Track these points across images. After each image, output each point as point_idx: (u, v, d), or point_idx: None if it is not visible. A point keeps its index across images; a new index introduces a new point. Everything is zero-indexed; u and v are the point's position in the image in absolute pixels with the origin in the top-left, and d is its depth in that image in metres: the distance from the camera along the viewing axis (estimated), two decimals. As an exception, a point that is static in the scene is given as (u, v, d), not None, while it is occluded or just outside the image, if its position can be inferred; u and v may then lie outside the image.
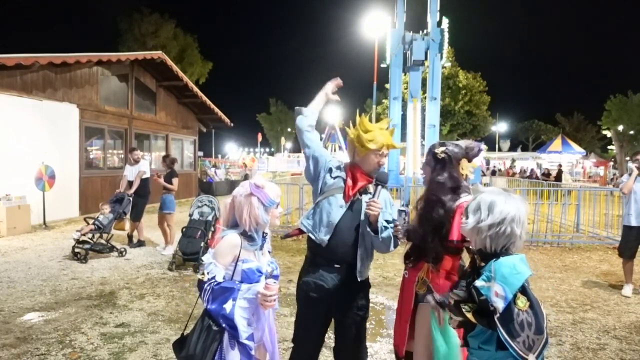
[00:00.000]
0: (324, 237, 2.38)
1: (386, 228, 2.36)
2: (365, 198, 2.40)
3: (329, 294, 2.40)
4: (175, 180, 7.44)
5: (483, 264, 1.77)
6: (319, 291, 2.40)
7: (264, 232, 2.09)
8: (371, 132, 2.42)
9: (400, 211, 2.40)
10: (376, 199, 2.30)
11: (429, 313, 2.30)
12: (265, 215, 2.00)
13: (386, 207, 2.44)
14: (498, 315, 1.61)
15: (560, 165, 23.95)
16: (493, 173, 27.32)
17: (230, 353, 1.90)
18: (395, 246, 2.44)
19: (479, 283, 1.69)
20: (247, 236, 1.99)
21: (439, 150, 2.37)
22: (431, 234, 2.28)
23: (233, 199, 2.03)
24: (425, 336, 2.32)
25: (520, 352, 1.58)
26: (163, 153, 15.30)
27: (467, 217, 1.81)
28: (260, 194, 2.00)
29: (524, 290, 1.63)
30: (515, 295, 1.61)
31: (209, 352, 1.87)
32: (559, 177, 20.10)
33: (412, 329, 2.44)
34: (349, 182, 2.42)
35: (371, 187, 2.42)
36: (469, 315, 1.74)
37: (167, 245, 7.37)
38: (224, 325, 1.86)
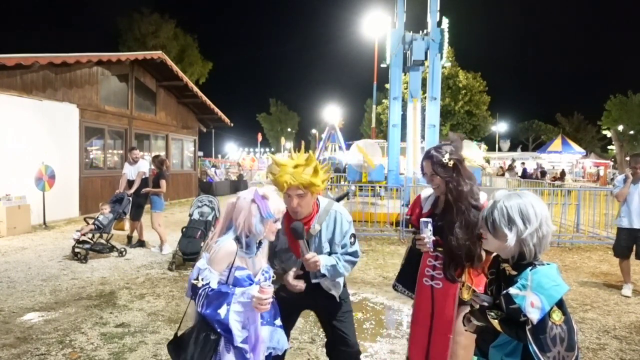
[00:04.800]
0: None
1: (332, 266, 2.32)
2: (313, 231, 2.37)
3: (297, 296, 2.40)
4: (162, 182, 7.41)
5: (515, 272, 1.67)
6: (287, 291, 2.39)
7: (260, 241, 2.06)
8: (279, 171, 2.30)
9: (424, 222, 2.30)
10: (308, 255, 2.25)
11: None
12: (260, 226, 1.97)
13: (334, 236, 2.41)
14: (530, 327, 1.53)
15: (561, 171, 23.75)
16: (543, 174, 24.17)
17: (225, 357, 1.90)
18: (354, 265, 2.46)
19: (513, 291, 1.59)
20: (240, 242, 1.98)
21: (446, 159, 2.30)
22: (477, 238, 2.20)
23: (237, 200, 2.02)
24: (470, 337, 2.18)
25: None
26: (163, 153, 15.31)
27: (496, 235, 1.69)
28: (262, 203, 1.97)
29: (560, 303, 1.56)
30: (551, 308, 1.53)
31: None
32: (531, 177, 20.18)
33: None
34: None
35: (316, 226, 2.38)
36: (495, 323, 1.65)
37: (163, 245, 7.36)
38: (219, 330, 1.86)
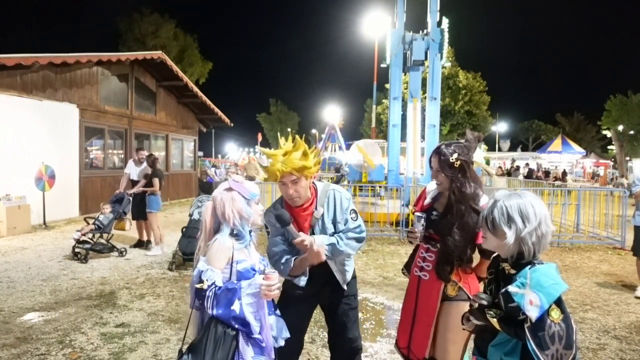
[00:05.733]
0: (301, 281, 2.37)
1: (330, 245, 2.31)
2: (317, 214, 2.38)
3: (315, 291, 2.42)
4: (155, 181, 7.32)
5: (514, 271, 1.69)
6: (305, 289, 2.39)
7: (250, 230, 2.08)
8: (271, 162, 2.31)
9: (418, 217, 2.37)
10: (297, 239, 2.21)
11: (462, 311, 2.25)
12: (248, 208, 2.01)
13: (336, 215, 2.40)
14: (529, 324, 1.55)
15: (562, 172, 23.78)
16: (546, 174, 24.10)
17: (246, 350, 1.91)
18: (361, 242, 2.44)
19: (512, 289, 1.61)
20: (234, 235, 1.99)
21: (453, 158, 2.30)
22: (471, 242, 2.28)
23: (213, 200, 2.03)
24: (459, 333, 2.23)
25: None
26: (163, 153, 15.30)
27: (496, 233, 1.71)
28: (240, 188, 2.02)
29: (559, 301, 1.57)
30: (550, 306, 1.55)
31: (229, 358, 1.85)
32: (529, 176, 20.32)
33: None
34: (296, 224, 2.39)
35: (319, 209, 2.38)
36: (494, 322, 1.66)
37: (155, 245, 7.34)
38: (236, 326, 1.86)
